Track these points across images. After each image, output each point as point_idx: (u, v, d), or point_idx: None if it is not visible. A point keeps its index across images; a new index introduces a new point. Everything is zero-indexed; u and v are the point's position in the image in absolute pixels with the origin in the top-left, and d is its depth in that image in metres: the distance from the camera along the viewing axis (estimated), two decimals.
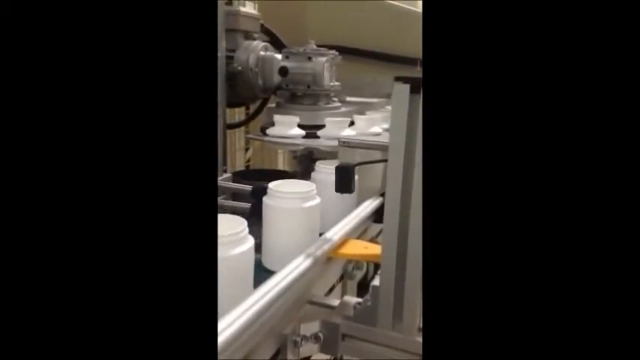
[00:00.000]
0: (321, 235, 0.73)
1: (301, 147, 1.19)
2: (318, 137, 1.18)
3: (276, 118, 1.20)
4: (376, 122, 1.25)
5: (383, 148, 0.85)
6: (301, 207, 0.74)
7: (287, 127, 1.18)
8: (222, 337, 0.43)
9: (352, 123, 1.23)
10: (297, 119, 1.19)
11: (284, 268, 0.58)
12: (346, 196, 0.80)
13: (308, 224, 0.75)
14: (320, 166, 0.96)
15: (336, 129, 1.16)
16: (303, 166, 1.28)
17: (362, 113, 1.32)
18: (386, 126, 1.28)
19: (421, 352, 0.54)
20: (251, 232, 0.62)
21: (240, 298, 0.49)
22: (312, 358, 0.62)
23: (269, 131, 1.20)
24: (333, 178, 0.78)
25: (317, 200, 0.77)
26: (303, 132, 1.19)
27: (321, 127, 1.20)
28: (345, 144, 0.91)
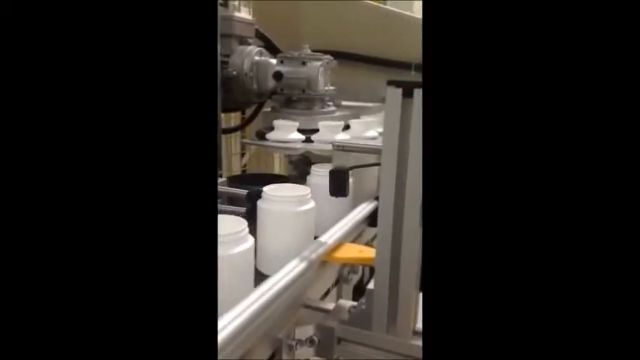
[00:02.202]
0: (316, 238, 0.74)
1: (299, 150, 1.20)
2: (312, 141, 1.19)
3: (276, 122, 1.20)
4: (338, 130, 1.21)
5: (377, 151, 0.86)
6: (296, 210, 0.75)
7: (286, 132, 1.19)
8: None
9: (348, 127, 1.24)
10: (296, 124, 1.20)
11: (279, 272, 0.59)
12: (341, 199, 0.80)
13: (303, 228, 0.76)
14: (315, 169, 0.96)
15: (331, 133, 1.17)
16: (299, 170, 1.28)
17: (356, 117, 1.33)
18: (373, 132, 1.28)
19: (416, 355, 0.54)
20: None
21: (242, 296, 0.51)
22: None
23: (268, 136, 1.20)
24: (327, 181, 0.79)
25: (311, 204, 0.77)
26: (302, 136, 1.20)
27: (317, 131, 1.20)
28: (340, 147, 0.91)
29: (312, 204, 0.77)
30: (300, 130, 1.21)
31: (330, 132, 1.18)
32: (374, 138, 1.23)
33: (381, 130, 1.27)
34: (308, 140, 1.20)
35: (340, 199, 0.78)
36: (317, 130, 1.21)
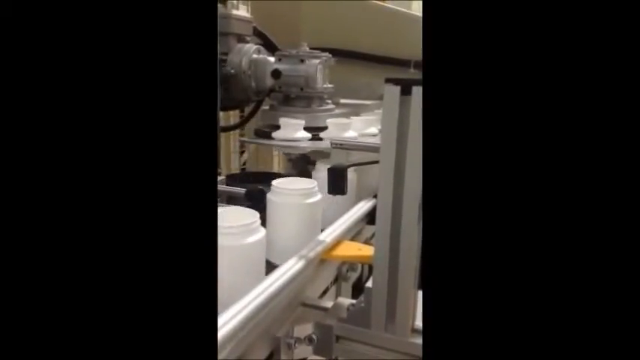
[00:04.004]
0: (323, 230, 0.76)
1: (303, 149, 1.20)
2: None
3: (283, 121, 1.21)
4: (300, 127, 1.21)
5: (375, 149, 0.85)
6: (304, 202, 0.78)
7: (292, 130, 1.20)
8: None
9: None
10: (302, 122, 1.21)
11: (277, 270, 0.59)
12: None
13: (311, 219, 0.79)
14: (320, 166, 0.99)
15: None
16: (298, 168, 1.28)
17: (353, 115, 1.33)
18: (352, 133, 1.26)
19: (414, 353, 0.54)
20: None
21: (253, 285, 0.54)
22: None
23: (275, 135, 1.20)
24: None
25: (319, 196, 0.80)
26: (309, 135, 1.20)
27: (317, 129, 1.20)
28: (338, 145, 0.91)
29: (319, 196, 0.80)
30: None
31: (293, 129, 1.18)
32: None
33: (366, 130, 1.27)
34: (268, 136, 1.22)
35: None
36: (317, 128, 1.21)
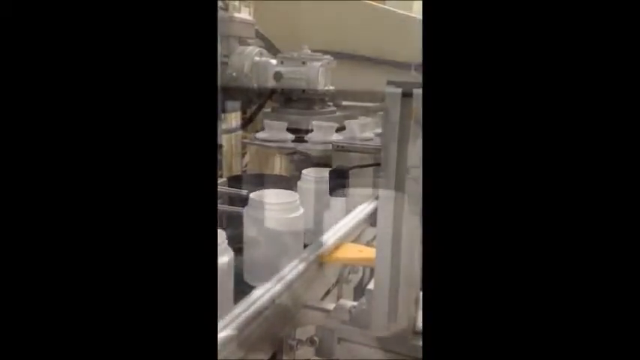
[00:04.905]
0: (305, 246, 0.71)
1: (292, 150, 1.20)
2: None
3: (266, 122, 1.21)
4: (283, 127, 1.21)
5: (376, 151, 0.85)
6: (285, 217, 0.72)
7: (277, 132, 1.19)
8: None
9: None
10: (285, 124, 1.20)
11: (279, 273, 0.59)
12: (333, 203, 0.80)
13: (291, 236, 0.72)
14: (305, 174, 0.92)
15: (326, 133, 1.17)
16: (300, 170, 1.28)
17: (354, 118, 1.33)
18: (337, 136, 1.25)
19: (416, 355, 0.54)
20: None
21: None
22: None
23: (258, 135, 1.21)
24: (318, 187, 0.79)
25: (300, 211, 0.74)
26: (292, 136, 1.20)
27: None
28: (339, 148, 0.91)
29: (300, 211, 0.74)
30: (299, 130, 1.21)
31: (277, 130, 1.19)
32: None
33: (362, 134, 1.26)
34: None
35: (332, 203, 0.79)
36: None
